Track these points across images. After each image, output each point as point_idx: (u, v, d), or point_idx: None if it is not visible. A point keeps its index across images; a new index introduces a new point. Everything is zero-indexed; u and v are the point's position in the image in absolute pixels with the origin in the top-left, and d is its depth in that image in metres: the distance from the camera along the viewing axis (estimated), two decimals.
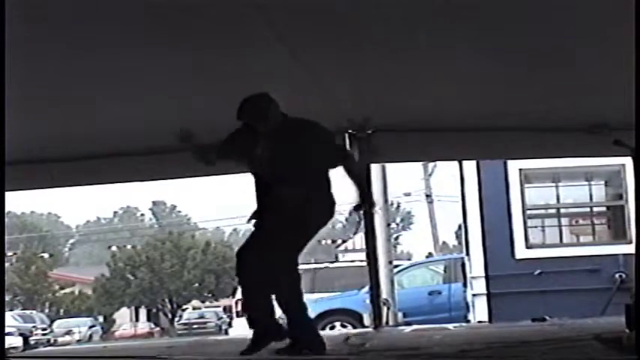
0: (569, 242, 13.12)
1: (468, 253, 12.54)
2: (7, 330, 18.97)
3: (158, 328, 43.64)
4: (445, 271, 16.78)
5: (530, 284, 11.76)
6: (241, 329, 16.25)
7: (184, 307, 47.45)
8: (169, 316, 46.67)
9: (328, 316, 14.61)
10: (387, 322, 9.42)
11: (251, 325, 5.86)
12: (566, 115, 7.70)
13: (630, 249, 7.40)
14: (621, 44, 4.93)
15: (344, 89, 6.82)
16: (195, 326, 40.27)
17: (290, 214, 5.50)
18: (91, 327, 38.98)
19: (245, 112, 5.54)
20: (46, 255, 51.27)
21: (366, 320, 9.44)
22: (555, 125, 8.03)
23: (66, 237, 75.74)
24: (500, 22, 5.49)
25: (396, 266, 13.96)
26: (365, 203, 5.92)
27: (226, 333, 26.24)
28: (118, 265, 46.48)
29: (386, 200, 11.56)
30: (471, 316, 12.42)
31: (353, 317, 14.23)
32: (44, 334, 29.62)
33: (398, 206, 54.97)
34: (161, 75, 6.19)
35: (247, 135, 5.71)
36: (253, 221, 5.87)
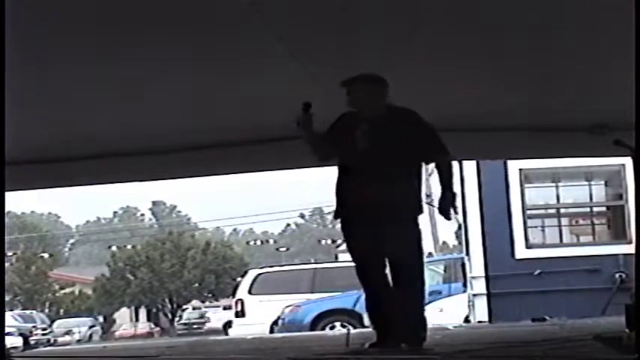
0: (569, 242, 13.13)
1: (468, 253, 12.54)
2: (7, 330, 18.97)
3: (158, 328, 43.65)
4: (445, 271, 16.78)
5: (530, 284, 11.77)
6: (241, 329, 16.27)
7: (184, 307, 47.49)
8: (169, 316, 46.70)
9: (328, 316, 14.61)
10: None
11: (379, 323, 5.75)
12: (566, 115, 7.69)
13: (630, 249, 7.41)
14: (621, 44, 4.94)
15: (344, 89, 6.81)
16: (195, 326, 40.30)
17: (387, 208, 5.40)
18: (91, 327, 39.02)
19: (347, 81, 5.54)
20: (46, 255, 51.31)
21: (366, 320, 9.43)
22: (555, 125, 8.03)
23: (66, 237, 75.80)
24: (500, 22, 5.49)
25: None
26: (448, 203, 5.65)
27: (226, 333, 26.24)
28: (118, 265, 46.51)
29: None
30: (471, 316, 12.41)
31: (353, 317, 14.23)
32: (44, 334, 29.60)
33: None
34: (161, 75, 6.19)
35: (349, 119, 5.71)
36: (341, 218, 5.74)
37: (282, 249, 61.53)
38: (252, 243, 64.06)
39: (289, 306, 15.26)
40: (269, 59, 5.88)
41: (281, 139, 7.45)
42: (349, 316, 14.51)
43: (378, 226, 5.44)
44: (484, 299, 12.02)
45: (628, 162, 5.75)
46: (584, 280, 11.71)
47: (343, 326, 14.33)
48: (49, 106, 6.71)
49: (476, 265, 12.22)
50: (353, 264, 5.74)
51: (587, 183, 12.90)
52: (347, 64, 6.20)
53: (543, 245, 12.63)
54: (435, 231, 37.71)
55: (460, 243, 18.98)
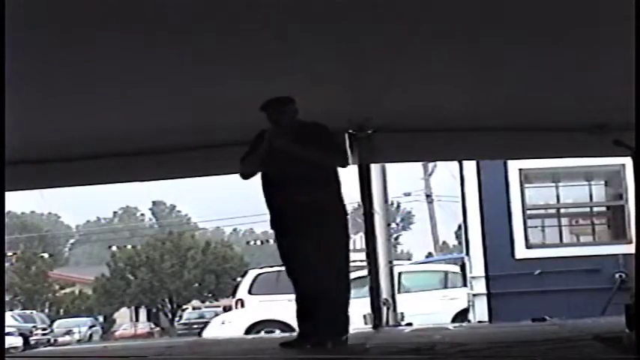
0: (569, 242, 13.09)
1: (468, 253, 12.52)
2: (7, 330, 18.96)
3: (158, 328, 43.60)
4: None
5: (530, 284, 11.75)
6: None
7: (184, 307, 47.42)
8: (169, 316, 46.64)
9: None
10: (387, 322, 9.42)
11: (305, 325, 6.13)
12: (566, 115, 7.70)
13: (630, 249, 7.40)
14: (621, 44, 4.94)
15: (344, 89, 6.82)
16: (195, 326, 40.20)
17: (313, 216, 5.86)
18: (91, 327, 38.96)
19: (268, 103, 5.94)
20: (46, 255, 51.24)
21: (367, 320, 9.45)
22: (555, 125, 8.03)
23: (66, 237, 75.66)
24: (500, 22, 5.49)
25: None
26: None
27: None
28: (118, 265, 46.45)
29: (386, 200, 11.54)
30: (471, 316, 12.41)
31: None
32: (44, 334, 29.59)
33: (398, 206, 54.98)
34: (161, 75, 6.19)
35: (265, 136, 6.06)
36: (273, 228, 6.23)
37: None
38: (252, 243, 63.90)
39: None
40: (269, 59, 5.88)
41: None
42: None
43: (308, 232, 5.92)
44: (484, 299, 12.00)
45: (628, 162, 5.74)
46: (584, 280, 11.69)
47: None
48: (49, 106, 6.72)
49: (476, 265, 12.20)
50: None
51: (587, 183, 12.87)
52: (347, 64, 6.21)
53: (543, 245, 12.60)
54: (435, 231, 37.78)
55: (460, 243, 18.98)
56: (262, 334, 12.98)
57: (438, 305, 12.88)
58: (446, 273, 15.11)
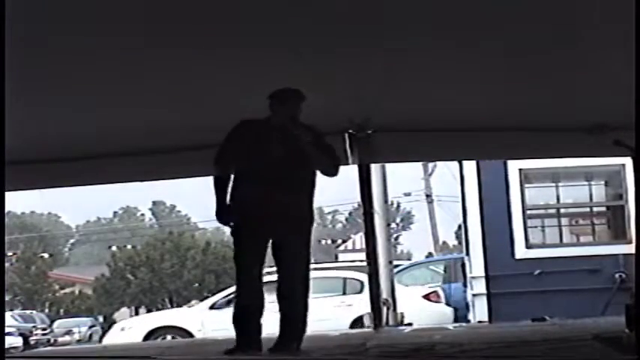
0: (569, 242, 13.10)
1: (468, 253, 12.53)
2: (7, 330, 18.96)
3: None
4: (445, 271, 16.75)
5: (530, 284, 11.76)
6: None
7: (184, 307, 47.41)
8: None
9: None
10: (387, 322, 9.43)
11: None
12: (566, 115, 7.70)
13: (630, 249, 7.40)
14: (621, 44, 4.94)
15: (344, 89, 6.82)
16: None
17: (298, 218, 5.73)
18: (91, 327, 38.95)
19: (290, 93, 5.72)
20: (46, 255, 51.22)
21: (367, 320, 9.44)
22: (555, 125, 8.03)
23: (66, 237, 75.63)
24: (500, 22, 5.49)
25: (396, 266, 13.96)
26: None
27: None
28: (118, 265, 46.43)
29: (386, 200, 11.54)
30: (470, 316, 12.41)
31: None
32: (44, 334, 29.58)
33: (398, 206, 54.96)
34: (161, 74, 6.19)
35: (258, 131, 5.84)
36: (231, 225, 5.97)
37: None
38: None
39: None
40: (269, 59, 5.88)
41: None
42: None
43: (277, 233, 5.78)
44: (484, 299, 12.01)
45: (628, 162, 5.75)
46: (584, 280, 11.69)
47: None
48: (49, 106, 6.72)
49: (476, 265, 12.20)
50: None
51: (587, 183, 12.88)
52: (347, 64, 6.21)
53: (543, 245, 12.61)
54: (435, 231, 37.73)
55: (460, 243, 18.99)
56: (159, 340, 13.18)
57: (336, 312, 12.76)
58: (345, 279, 14.82)
